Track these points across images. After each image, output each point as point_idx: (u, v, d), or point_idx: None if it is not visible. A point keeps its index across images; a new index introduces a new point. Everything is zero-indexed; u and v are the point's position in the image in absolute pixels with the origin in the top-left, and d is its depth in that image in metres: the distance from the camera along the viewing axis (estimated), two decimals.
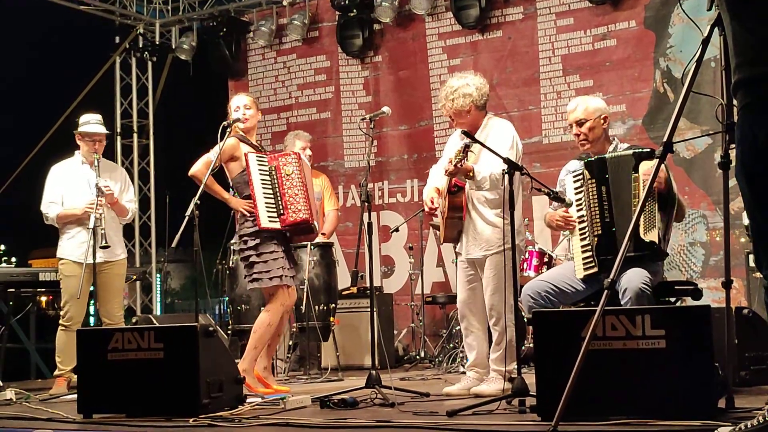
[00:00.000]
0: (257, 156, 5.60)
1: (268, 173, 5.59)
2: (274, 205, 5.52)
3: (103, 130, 6.68)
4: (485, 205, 5.31)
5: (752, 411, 3.49)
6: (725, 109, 3.76)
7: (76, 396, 4.81)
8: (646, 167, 4.67)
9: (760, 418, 3.04)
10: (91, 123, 6.68)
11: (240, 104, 5.75)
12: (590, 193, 4.90)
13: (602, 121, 5.06)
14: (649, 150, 4.83)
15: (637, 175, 4.73)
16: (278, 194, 5.54)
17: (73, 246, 6.54)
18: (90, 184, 6.52)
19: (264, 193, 5.52)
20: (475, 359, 5.42)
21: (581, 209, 4.96)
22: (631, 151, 4.89)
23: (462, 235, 5.40)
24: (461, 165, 5.00)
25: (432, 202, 5.38)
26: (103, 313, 6.63)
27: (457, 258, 5.59)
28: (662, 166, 4.73)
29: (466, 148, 4.93)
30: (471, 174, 5.14)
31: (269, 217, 5.49)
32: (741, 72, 3.03)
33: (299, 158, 5.75)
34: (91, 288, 6.55)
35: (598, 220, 4.85)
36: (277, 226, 5.52)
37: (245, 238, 5.58)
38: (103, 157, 6.70)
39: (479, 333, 5.42)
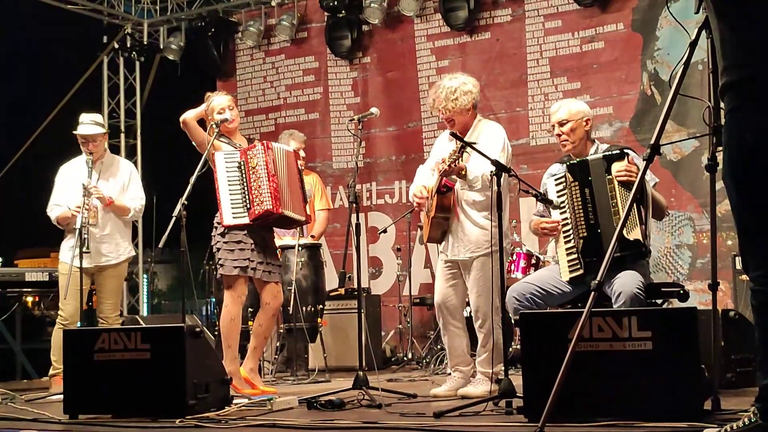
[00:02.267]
0: (225, 154, 5.57)
1: (237, 168, 5.54)
2: (241, 201, 5.49)
3: (91, 130, 6.56)
4: (473, 207, 5.30)
5: (738, 413, 3.50)
6: (712, 112, 3.77)
7: (62, 397, 4.79)
8: (617, 167, 4.74)
9: (745, 419, 3.05)
10: (83, 123, 6.59)
11: (224, 106, 5.70)
12: (573, 196, 4.90)
13: (584, 123, 5.11)
14: (618, 152, 4.87)
15: (611, 177, 4.77)
16: (246, 188, 5.50)
17: (65, 248, 6.56)
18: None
19: (230, 190, 5.50)
20: (457, 358, 5.41)
21: (564, 212, 4.97)
22: (601, 155, 4.93)
23: (447, 236, 5.40)
24: (455, 165, 5.00)
25: (420, 193, 5.37)
26: (98, 313, 6.65)
27: (439, 257, 5.58)
28: (631, 159, 4.80)
29: (462, 149, 4.93)
30: (463, 173, 5.15)
31: (234, 213, 5.47)
32: (728, 74, 3.04)
33: (267, 147, 5.59)
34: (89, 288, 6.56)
35: (582, 223, 4.85)
36: (245, 221, 5.50)
37: (216, 224, 5.59)
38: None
39: (458, 331, 5.40)
